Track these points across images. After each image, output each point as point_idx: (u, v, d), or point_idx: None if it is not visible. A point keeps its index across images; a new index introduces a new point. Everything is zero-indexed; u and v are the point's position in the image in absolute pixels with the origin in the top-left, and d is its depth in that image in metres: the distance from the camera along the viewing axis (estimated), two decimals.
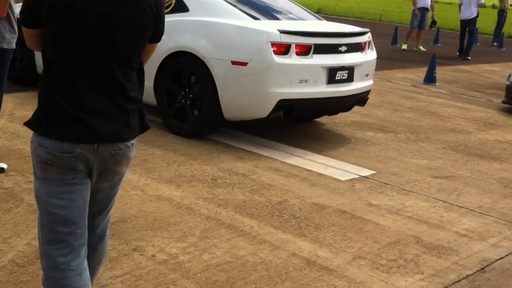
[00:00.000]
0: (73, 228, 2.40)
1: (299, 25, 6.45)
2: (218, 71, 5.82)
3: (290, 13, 6.84)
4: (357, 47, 6.38)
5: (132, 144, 2.47)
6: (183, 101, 6.12)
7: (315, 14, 7.23)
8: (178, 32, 6.14)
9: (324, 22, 7.01)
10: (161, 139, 5.94)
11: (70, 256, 2.40)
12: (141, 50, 2.43)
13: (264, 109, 5.81)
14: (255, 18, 6.18)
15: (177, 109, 6.16)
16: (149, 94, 6.39)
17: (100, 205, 2.59)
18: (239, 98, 5.83)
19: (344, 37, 6.25)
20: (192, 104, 6.09)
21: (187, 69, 6.10)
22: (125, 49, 2.35)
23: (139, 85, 2.47)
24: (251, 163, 5.51)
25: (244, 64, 5.73)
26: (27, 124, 2.40)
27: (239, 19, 6.08)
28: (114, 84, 2.35)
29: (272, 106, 5.76)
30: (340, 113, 6.89)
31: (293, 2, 7.31)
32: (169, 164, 5.25)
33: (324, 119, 7.26)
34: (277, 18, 6.50)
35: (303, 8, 7.21)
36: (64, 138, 2.30)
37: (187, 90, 6.10)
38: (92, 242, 2.58)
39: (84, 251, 2.46)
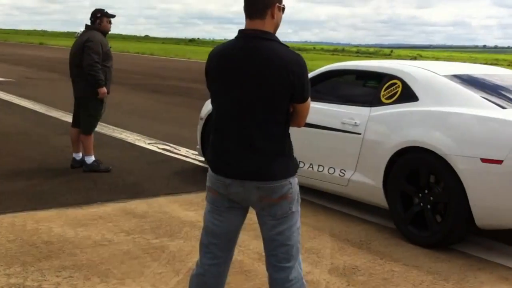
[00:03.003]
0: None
1: None
2: (466, 171, 4.84)
3: None
4: None
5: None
6: (421, 204, 5.20)
7: None
8: (407, 125, 5.34)
9: None
10: (397, 250, 5.06)
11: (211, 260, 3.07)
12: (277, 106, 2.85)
13: None
14: (502, 107, 5.16)
15: (414, 214, 5.27)
16: (377, 195, 5.59)
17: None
18: (496, 203, 4.76)
19: None
20: (433, 208, 5.16)
21: (424, 168, 5.18)
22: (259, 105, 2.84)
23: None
24: None
25: (498, 162, 4.70)
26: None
27: (482, 108, 5.09)
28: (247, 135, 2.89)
29: None
30: None
31: None
32: (415, 286, 4.33)
33: None
34: None
35: None
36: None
37: (426, 191, 5.19)
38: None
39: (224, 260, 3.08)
